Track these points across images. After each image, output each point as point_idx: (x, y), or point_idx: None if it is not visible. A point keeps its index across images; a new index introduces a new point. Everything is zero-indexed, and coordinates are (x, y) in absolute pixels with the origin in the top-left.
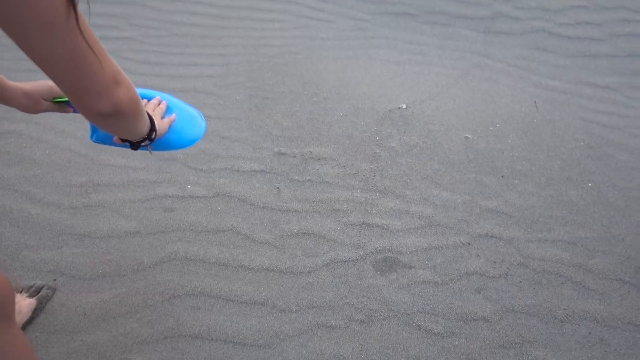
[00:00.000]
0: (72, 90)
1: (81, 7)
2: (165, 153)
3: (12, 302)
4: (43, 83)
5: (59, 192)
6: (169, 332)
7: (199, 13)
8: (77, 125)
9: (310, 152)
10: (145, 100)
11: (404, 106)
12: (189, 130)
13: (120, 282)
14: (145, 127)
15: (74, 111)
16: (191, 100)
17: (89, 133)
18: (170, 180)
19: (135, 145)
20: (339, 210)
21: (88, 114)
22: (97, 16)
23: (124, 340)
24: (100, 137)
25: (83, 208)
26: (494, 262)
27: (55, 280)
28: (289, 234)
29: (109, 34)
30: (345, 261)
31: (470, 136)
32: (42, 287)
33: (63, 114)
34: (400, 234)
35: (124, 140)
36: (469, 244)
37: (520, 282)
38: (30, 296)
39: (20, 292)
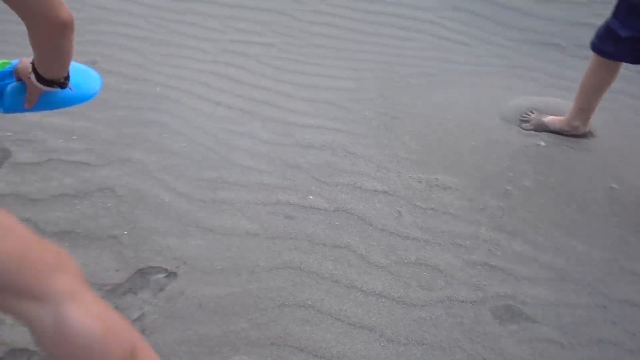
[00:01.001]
0: (41, 4)
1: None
2: (290, 160)
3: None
4: None
5: (191, 184)
6: (276, 339)
7: (337, 25)
8: (212, 123)
9: (436, 179)
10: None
11: (543, 144)
12: (86, 84)
13: (235, 281)
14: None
15: None
16: (321, 112)
17: (211, 129)
18: (293, 188)
19: (64, 84)
20: (460, 245)
21: (54, 25)
22: (243, 21)
23: (234, 338)
24: (8, 106)
25: (211, 203)
26: (633, 334)
27: (178, 267)
28: (405, 261)
29: (251, 39)
30: (463, 301)
31: (616, 186)
32: None
33: None
34: (526, 282)
35: (50, 84)
36: (604, 307)
37: None
38: None
39: None
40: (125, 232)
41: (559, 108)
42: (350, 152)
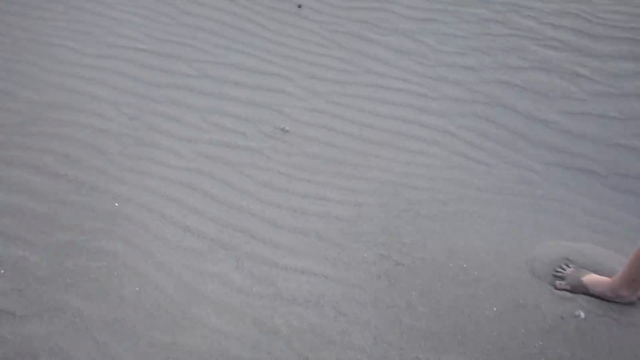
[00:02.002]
0: None
1: None
2: (266, 321)
3: None
4: None
5: (135, 352)
6: None
7: (337, 130)
8: (176, 258)
9: None
10: None
11: (582, 315)
12: None
13: None
14: None
15: None
16: (309, 249)
17: (173, 267)
18: None
19: None
20: None
21: None
22: (228, 117)
23: None
24: None
25: None
26: None
27: None
28: None
29: (235, 141)
30: None
31: None
32: None
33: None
34: None
35: None
36: None
37: None
38: None
39: None
40: None
41: (598, 260)
42: (342, 312)
